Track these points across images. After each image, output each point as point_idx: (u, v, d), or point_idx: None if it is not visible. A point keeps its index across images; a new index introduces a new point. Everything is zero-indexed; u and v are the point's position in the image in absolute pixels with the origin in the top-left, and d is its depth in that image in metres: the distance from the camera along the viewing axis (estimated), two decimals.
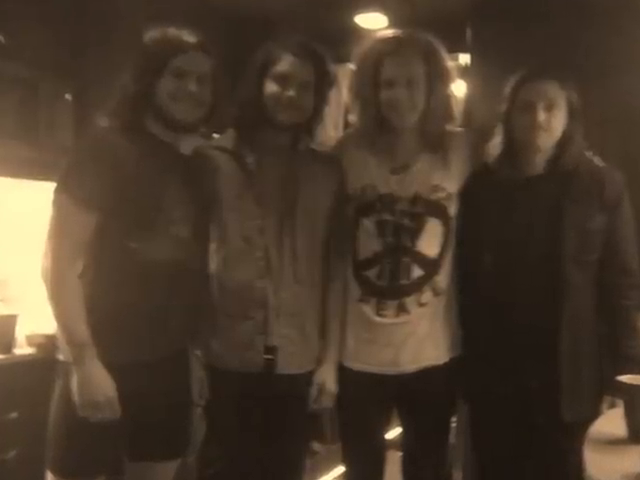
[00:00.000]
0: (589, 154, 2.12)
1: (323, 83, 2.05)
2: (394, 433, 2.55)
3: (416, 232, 2.07)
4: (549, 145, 2.05)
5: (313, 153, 2.13)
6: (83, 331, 1.78)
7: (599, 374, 2.06)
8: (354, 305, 2.11)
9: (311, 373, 2.08)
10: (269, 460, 2.09)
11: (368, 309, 2.09)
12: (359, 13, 3.77)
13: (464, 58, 3.50)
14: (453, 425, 2.38)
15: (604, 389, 2.04)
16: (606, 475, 1.41)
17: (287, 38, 2.06)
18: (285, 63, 2.00)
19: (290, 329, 2.03)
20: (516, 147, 2.07)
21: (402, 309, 2.08)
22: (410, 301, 2.08)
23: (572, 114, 2.04)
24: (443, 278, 2.11)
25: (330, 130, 2.22)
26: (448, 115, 2.11)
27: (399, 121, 2.05)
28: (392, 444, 2.35)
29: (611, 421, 1.75)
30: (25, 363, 2.71)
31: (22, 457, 2.59)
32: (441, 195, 2.09)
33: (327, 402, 2.10)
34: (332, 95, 2.12)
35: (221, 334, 2.04)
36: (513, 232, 2.06)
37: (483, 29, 3.28)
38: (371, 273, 2.09)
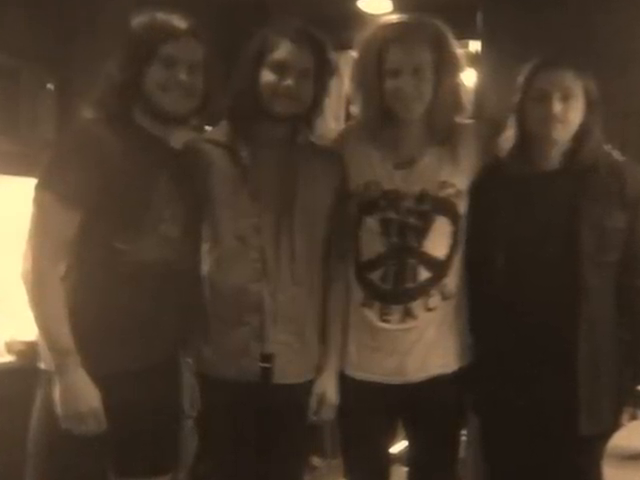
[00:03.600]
0: (608, 148, 2.12)
1: (323, 72, 2.05)
2: (399, 447, 2.55)
3: (423, 231, 2.07)
4: (565, 138, 2.05)
5: (312, 147, 2.13)
6: (66, 337, 1.78)
7: (619, 383, 2.06)
8: (356, 309, 2.11)
9: (311, 382, 2.08)
10: (266, 476, 2.09)
11: (371, 314, 2.09)
12: None
13: (474, 45, 3.49)
14: (463, 438, 2.38)
15: (624, 400, 2.04)
16: None
17: (285, 23, 2.06)
18: (282, 50, 2.00)
19: (288, 335, 2.03)
20: (530, 140, 2.07)
21: (408, 314, 2.08)
22: (416, 305, 2.08)
23: (590, 105, 2.04)
24: (452, 281, 2.10)
25: (330, 122, 2.22)
26: (457, 106, 2.11)
27: (404, 112, 2.05)
28: (397, 458, 2.35)
29: (632, 434, 1.75)
30: (4, 372, 2.72)
31: (1, 471, 2.58)
32: (450, 192, 2.08)
33: (327, 414, 2.09)
34: (333, 85, 2.12)
35: (214, 340, 2.04)
36: (527, 230, 2.06)
37: (495, 14, 3.28)
38: (374, 275, 2.09)
